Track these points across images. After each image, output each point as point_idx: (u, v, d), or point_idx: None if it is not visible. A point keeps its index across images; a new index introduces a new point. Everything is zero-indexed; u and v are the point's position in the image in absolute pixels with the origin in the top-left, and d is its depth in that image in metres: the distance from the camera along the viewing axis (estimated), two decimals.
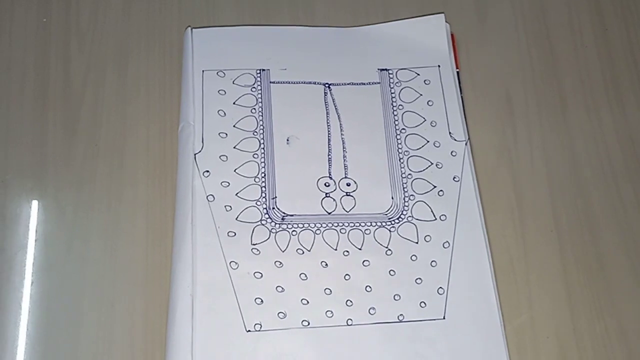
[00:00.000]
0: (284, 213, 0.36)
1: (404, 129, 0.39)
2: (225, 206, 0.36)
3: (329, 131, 0.39)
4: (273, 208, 0.36)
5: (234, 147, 0.38)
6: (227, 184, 0.37)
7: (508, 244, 0.37)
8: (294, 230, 0.36)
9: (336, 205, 0.37)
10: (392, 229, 0.36)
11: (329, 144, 0.39)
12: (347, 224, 0.36)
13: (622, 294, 0.36)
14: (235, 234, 0.35)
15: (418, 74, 0.41)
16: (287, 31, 0.41)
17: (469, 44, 0.43)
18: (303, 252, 0.35)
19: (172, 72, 0.41)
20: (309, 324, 0.34)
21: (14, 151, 0.39)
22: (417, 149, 0.39)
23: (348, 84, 0.40)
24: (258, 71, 0.40)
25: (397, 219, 0.37)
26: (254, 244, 0.35)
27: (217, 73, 0.40)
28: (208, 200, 0.36)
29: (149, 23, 0.42)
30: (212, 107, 0.39)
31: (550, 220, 0.38)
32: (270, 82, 0.40)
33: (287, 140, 0.38)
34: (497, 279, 0.36)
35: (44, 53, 0.41)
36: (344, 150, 0.38)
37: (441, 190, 0.38)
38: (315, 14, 0.43)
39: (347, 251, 0.36)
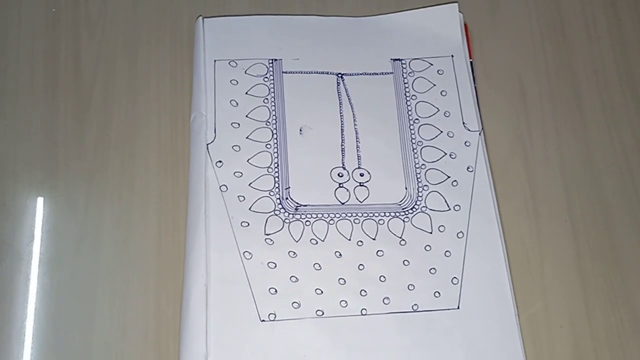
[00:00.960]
0: (297, 203, 0.36)
1: (417, 119, 0.39)
2: (238, 196, 0.36)
3: (342, 121, 0.39)
4: (286, 198, 0.36)
5: (247, 137, 0.37)
6: (240, 174, 0.37)
7: (522, 234, 0.37)
8: (307, 221, 0.36)
9: (350, 195, 0.37)
10: (406, 219, 0.36)
11: (342, 134, 0.38)
12: (360, 215, 0.36)
13: (636, 284, 0.36)
14: (248, 224, 0.35)
15: (431, 64, 0.40)
16: (299, 21, 0.41)
17: (482, 33, 0.43)
18: (317, 242, 0.35)
19: (183, 61, 0.41)
20: (323, 313, 0.33)
21: (24, 143, 0.38)
22: (431, 139, 0.38)
23: (361, 74, 0.40)
24: (270, 61, 0.40)
25: (411, 209, 0.37)
26: (267, 234, 0.35)
27: (229, 63, 0.39)
28: (221, 191, 0.36)
29: (159, 12, 0.42)
30: (225, 97, 0.38)
31: (564, 210, 0.38)
32: (282, 72, 0.40)
33: (300, 130, 0.38)
34: (511, 268, 0.36)
35: (54, 43, 0.41)
36: (357, 141, 0.38)
37: (455, 181, 0.37)
38: (327, 4, 0.43)
39: (361, 241, 0.35)
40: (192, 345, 0.32)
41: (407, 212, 0.37)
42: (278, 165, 0.37)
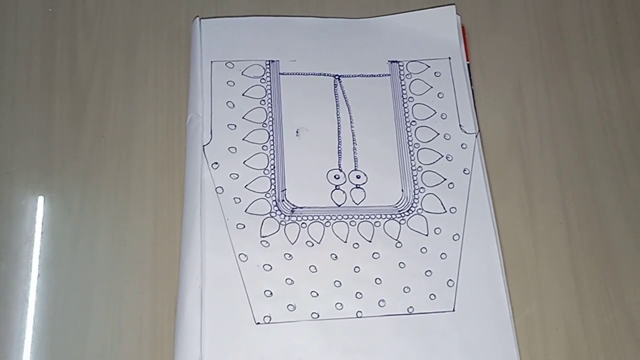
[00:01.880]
0: (293, 205, 0.36)
1: (414, 121, 0.39)
2: (234, 198, 0.36)
3: (338, 123, 0.39)
4: (282, 200, 0.36)
5: (243, 139, 0.37)
6: (236, 176, 0.36)
7: (518, 236, 0.37)
8: (303, 223, 0.36)
9: (346, 197, 0.37)
10: (402, 222, 0.36)
11: (338, 136, 0.38)
12: (357, 217, 0.36)
13: (631, 286, 0.36)
14: (244, 226, 0.35)
15: (428, 66, 0.40)
16: (296, 22, 0.41)
17: (479, 36, 0.43)
18: (313, 245, 0.35)
19: (180, 62, 0.40)
20: (318, 316, 0.33)
21: (20, 143, 0.38)
22: (428, 141, 0.39)
23: (358, 75, 0.40)
24: (267, 62, 0.40)
25: (407, 211, 0.37)
26: (263, 236, 0.35)
27: (225, 64, 0.39)
28: (217, 192, 0.36)
29: (156, 12, 0.42)
30: (221, 99, 0.38)
31: (560, 212, 0.38)
32: (279, 74, 0.39)
33: (297, 132, 0.38)
34: (507, 270, 0.36)
35: (50, 43, 0.41)
36: (354, 143, 0.38)
37: (451, 183, 0.37)
38: (325, 5, 0.43)
39: (357, 244, 0.35)
40: (187, 347, 0.32)
41: (403, 215, 0.37)
42: (274, 167, 0.37)
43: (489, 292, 0.35)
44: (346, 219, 0.36)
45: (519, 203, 0.38)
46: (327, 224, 0.36)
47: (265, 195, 0.36)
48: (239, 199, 0.36)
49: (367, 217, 0.36)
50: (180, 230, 0.35)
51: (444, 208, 0.37)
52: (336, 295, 0.34)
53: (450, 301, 0.34)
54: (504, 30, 0.43)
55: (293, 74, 0.40)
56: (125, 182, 0.37)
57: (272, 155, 0.37)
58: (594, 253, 0.37)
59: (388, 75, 0.40)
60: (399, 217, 0.36)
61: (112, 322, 0.34)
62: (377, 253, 0.35)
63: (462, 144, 0.38)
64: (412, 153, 0.38)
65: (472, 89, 0.40)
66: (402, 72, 0.40)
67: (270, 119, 0.38)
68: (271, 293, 0.34)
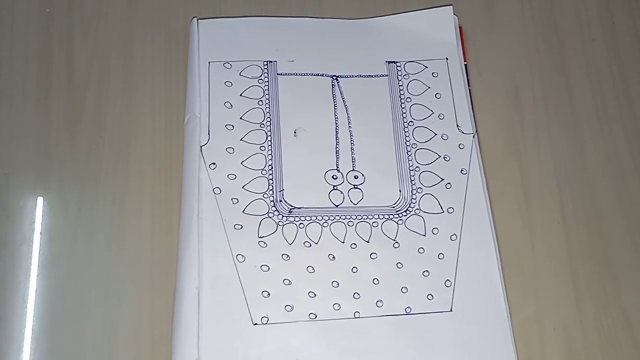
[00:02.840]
0: (291, 206, 0.36)
1: (411, 121, 0.39)
2: (232, 199, 0.36)
3: (336, 123, 0.39)
4: (280, 201, 0.36)
5: (241, 140, 0.37)
6: (234, 177, 0.36)
7: (515, 236, 0.37)
8: (301, 223, 0.36)
9: (344, 198, 0.37)
10: (400, 222, 0.36)
11: (336, 137, 0.38)
12: (354, 217, 0.36)
13: (628, 286, 0.36)
14: (242, 227, 0.35)
15: (426, 67, 0.40)
16: (294, 22, 0.41)
17: (477, 36, 0.43)
18: (310, 245, 0.35)
19: (178, 62, 0.40)
20: (316, 316, 0.33)
21: (17, 144, 0.38)
22: (425, 141, 0.39)
23: (356, 76, 0.40)
24: (265, 63, 0.40)
25: (405, 211, 0.37)
26: (260, 237, 0.35)
27: (223, 64, 0.39)
28: (214, 193, 0.36)
29: (154, 12, 0.42)
30: (219, 99, 0.38)
31: (557, 212, 0.38)
32: (277, 74, 0.39)
33: (295, 132, 0.38)
34: (504, 271, 0.36)
35: (47, 44, 0.41)
36: (351, 143, 0.38)
37: (449, 183, 0.37)
38: (323, 5, 0.43)
39: (355, 244, 0.35)
40: (184, 348, 0.32)
41: (400, 215, 0.37)
42: (272, 168, 0.37)
43: (487, 292, 0.35)
44: (344, 219, 0.36)
45: (516, 203, 0.38)
46: (325, 224, 0.36)
47: (263, 196, 0.36)
48: (237, 199, 0.36)
49: (365, 217, 0.36)
50: (178, 230, 0.35)
51: (442, 208, 0.37)
52: (334, 295, 0.34)
53: (447, 301, 0.34)
54: (501, 31, 0.43)
55: (291, 74, 0.40)
56: (123, 182, 0.37)
57: (270, 156, 0.37)
58: (592, 253, 0.37)
59: (386, 75, 0.40)
60: (396, 218, 0.36)
61: (110, 322, 0.34)
62: (374, 253, 0.35)
63: (459, 144, 0.39)
64: (409, 153, 0.38)
65: (469, 89, 0.41)
66: (399, 73, 0.40)
67: (268, 119, 0.38)
68: (269, 294, 0.34)
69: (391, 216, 0.36)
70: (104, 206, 0.37)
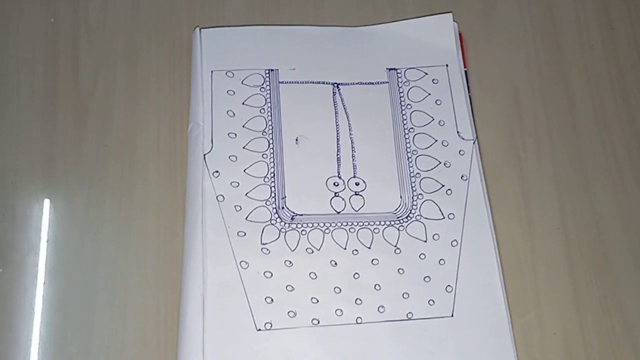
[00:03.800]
0: (293, 213, 0.37)
1: (412, 128, 0.40)
2: (235, 206, 0.36)
3: (337, 131, 0.39)
4: (282, 208, 0.37)
5: (244, 148, 0.38)
6: (237, 184, 0.37)
7: (515, 242, 0.38)
8: (303, 230, 0.36)
9: (345, 204, 0.37)
10: (401, 228, 0.37)
11: (337, 144, 0.39)
12: (356, 223, 0.37)
13: (627, 291, 0.37)
14: (245, 234, 0.36)
15: (426, 73, 0.41)
16: (295, 31, 0.41)
17: (476, 43, 0.43)
18: (312, 252, 0.36)
19: (182, 70, 0.41)
20: (318, 322, 0.34)
21: (24, 151, 0.39)
22: (426, 148, 0.39)
23: (357, 83, 0.40)
24: (267, 71, 0.40)
25: (406, 217, 0.37)
26: (263, 244, 0.36)
27: (226, 73, 0.40)
28: (218, 201, 0.36)
29: (158, 22, 0.43)
30: (221, 108, 0.39)
31: (557, 217, 0.38)
32: (279, 82, 0.40)
33: (296, 140, 0.39)
34: (505, 276, 0.36)
35: (53, 53, 0.41)
36: (352, 150, 0.39)
37: (449, 189, 0.38)
38: (324, 14, 0.43)
39: (357, 250, 0.36)
40: (190, 353, 0.32)
41: (402, 221, 0.37)
42: (274, 175, 0.37)
43: (487, 297, 0.35)
44: (345, 225, 0.36)
45: (516, 209, 0.39)
46: (327, 230, 0.36)
47: (266, 203, 0.37)
48: (240, 206, 0.36)
49: (366, 223, 0.37)
50: (182, 237, 0.36)
51: (442, 214, 0.37)
52: (336, 301, 0.34)
53: (449, 307, 0.35)
54: (501, 37, 0.43)
55: (292, 82, 0.40)
56: (129, 189, 0.38)
57: (272, 164, 0.38)
58: (591, 258, 0.38)
59: (386, 82, 0.41)
60: (397, 224, 0.37)
61: (116, 328, 0.35)
62: (376, 259, 0.36)
63: (459, 151, 0.39)
64: (410, 160, 0.39)
65: (469, 96, 0.41)
66: (400, 80, 0.41)
67: (270, 127, 0.39)
68: (272, 300, 0.34)
69: (392, 222, 0.37)
70: (110, 212, 0.37)
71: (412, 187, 0.38)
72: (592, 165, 0.40)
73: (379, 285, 0.35)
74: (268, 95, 0.40)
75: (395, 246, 0.36)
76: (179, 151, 0.39)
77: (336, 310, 0.34)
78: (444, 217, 0.37)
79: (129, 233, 0.37)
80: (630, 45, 0.44)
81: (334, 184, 0.38)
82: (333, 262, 0.36)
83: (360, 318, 0.34)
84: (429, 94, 0.40)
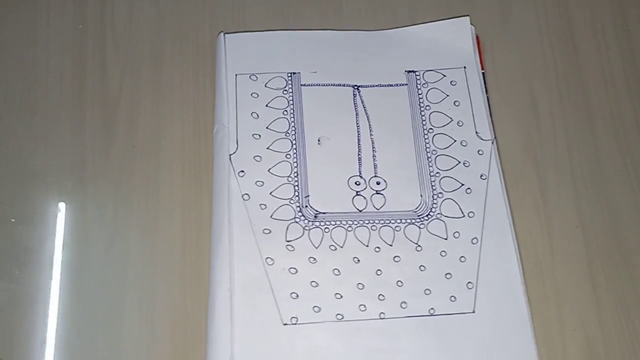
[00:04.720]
0: (316, 211, 0.38)
1: (431, 128, 0.40)
2: (260, 205, 0.37)
3: (358, 132, 0.40)
4: (306, 206, 0.38)
5: (267, 148, 0.39)
6: (262, 184, 0.38)
7: (534, 240, 0.38)
8: (326, 228, 0.37)
9: (367, 203, 0.38)
10: (422, 226, 0.37)
11: (358, 144, 0.40)
12: (377, 221, 0.37)
13: None
14: (270, 231, 0.37)
15: (444, 75, 0.42)
16: (316, 35, 0.42)
17: (493, 45, 0.44)
18: (336, 249, 0.36)
19: (205, 73, 0.42)
20: (343, 317, 0.35)
21: (54, 153, 0.40)
22: (445, 148, 0.40)
23: (376, 85, 0.41)
24: (289, 74, 0.41)
25: (427, 216, 0.38)
26: (288, 241, 0.36)
27: (249, 77, 0.41)
28: (243, 199, 0.37)
29: (181, 26, 0.44)
30: (246, 110, 0.40)
31: (575, 216, 0.39)
32: (301, 85, 0.41)
33: (318, 140, 0.40)
34: (524, 273, 0.37)
35: (81, 59, 0.43)
36: (373, 150, 0.40)
37: (469, 188, 0.39)
38: (343, 18, 0.44)
39: (378, 247, 0.37)
40: (219, 348, 0.33)
41: (422, 219, 0.38)
42: (298, 175, 0.38)
43: (508, 294, 0.36)
44: (367, 223, 0.37)
45: (534, 208, 0.39)
46: (349, 228, 0.37)
47: (290, 202, 0.38)
48: (265, 205, 0.37)
49: (388, 221, 0.37)
50: (209, 235, 0.37)
51: (462, 212, 0.38)
52: (359, 297, 0.35)
53: (470, 303, 0.35)
54: (517, 40, 0.44)
55: (314, 85, 0.41)
56: (155, 190, 0.39)
57: (295, 163, 0.39)
58: (610, 255, 0.38)
59: (405, 84, 0.42)
60: (418, 222, 0.38)
61: (146, 325, 0.35)
62: (398, 256, 0.36)
63: (478, 150, 0.40)
64: (430, 159, 0.39)
65: (487, 97, 0.42)
66: (418, 82, 0.42)
67: (293, 128, 0.40)
68: (297, 295, 0.35)
69: (413, 220, 0.38)
70: (137, 212, 0.38)
71: (432, 186, 0.39)
72: (609, 164, 0.41)
73: (401, 282, 0.36)
74: (290, 98, 0.41)
75: (417, 244, 0.37)
76: (204, 152, 0.40)
77: (360, 306, 0.35)
78: (464, 216, 0.38)
79: (156, 232, 0.38)
80: None
81: (356, 183, 0.39)
82: (356, 259, 0.36)
83: (383, 313, 0.35)
84: (448, 95, 0.41)
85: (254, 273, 0.35)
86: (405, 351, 0.34)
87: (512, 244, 0.37)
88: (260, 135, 0.39)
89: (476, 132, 0.40)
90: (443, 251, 0.37)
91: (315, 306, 0.35)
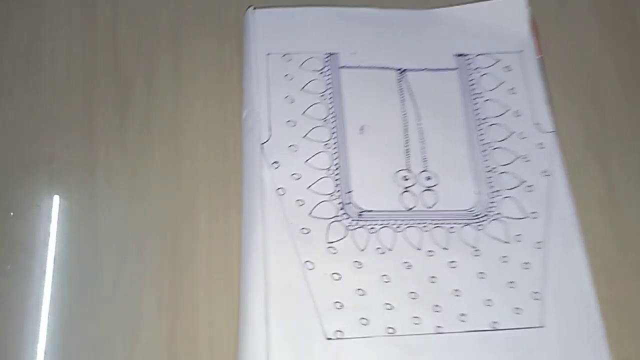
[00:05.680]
0: (361, 209, 0.33)
1: (485, 118, 0.36)
2: (297, 200, 0.33)
3: (405, 120, 0.36)
4: (349, 203, 0.33)
5: (304, 137, 0.34)
6: (299, 177, 0.33)
7: (602, 242, 0.34)
8: (372, 228, 0.33)
9: (417, 200, 0.34)
10: (480, 228, 0.33)
11: (405, 134, 0.35)
12: (429, 222, 0.33)
13: None
14: (309, 231, 0.32)
15: (498, 60, 0.38)
16: (357, 12, 0.38)
17: (550, 29, 0.40)
18: (384, 252, 0.32)
19: (232, 53, 0.38)
20: (394, 331, 0.30)
21: (62, 138, 0.35)
22: (501, 140, 0.36)
23: (423, 69, 0.37)
24: (327, 55, 0.37)
25: (484, 216, 0.34)
26: (330, 242, 0.32)
27: (282, 56, 0.36)
28: (278, 194, 0.33)
29: (204, 0, 0.39)
30: (279, 93, 0.35)
31: None
32: (339, 67, 0.37)
33: (361, 129, 0.35)
34: (595, 281, 0.33)
35: (91, 34, 0.38)
36: (422, 141, 0.35)
37: (530, 185, 0.34)
38: None
39: (432, 251, 0.32)
40: None
41: (479, 220, 0.34)
42: (338, 167, 0.34)
43: (579, 305, 0.31)
44: (418, 224, 0.33)
45: (601, 207, 0.35)
46: (398, 229, 0.33)
47: (330, 198, 0.33)
48: (302, 201, 0.33)
49: (441, 222, 0.33)
50: (237, 234, 0.32)
51: (524, 213, 0.34)
52: (412, 307, 0.31)
53: (537, 316, 0.31)
54: (576, 23, 0.40)
55: (354, 67, 0.37)
56: (174, 181, 0.34)
57: (336, 154, 0.34)
58: None
59: (455, 69, 0.37)
60: (475, 223, 0.33)
61: (164, 336, 0.31)
62: (453, 262, 0.32)
63: (539, 143, 0.35)
64: (485, 153, 0.35)
65: (546, 85, 0.38)
66: (469, 66, 0.37)
67: (332, 115, 0.35)
68: (342, 305, 0.31)
69: (469, 221, 0.33)
70: (155, 206, 0.34)
71: (488, 182, 0.34)
72: None
73: (459, 291, 0.31)
74: (329, 81, 0.36)
75: (474, 247, 0.33)
76: (232, 140, 0.35)
77: (413, 318, 0.31)
78: (526, 216, 0.34)
79: (176, 230, 0.33)
80: None
81: (404, 177, 0.34)
82: (407, 264, 0.32)
83: (441, 327, 0.31)
84: (502, 82, 0.37)
85: (292, 278, 0.31)
86: None
87: (580, 247, 0.33)
88: (295, 122, 0.35)
89: (535, 123, 0.36)
90: (504, 256, 0.32)
91: (362, 318, 0.30)
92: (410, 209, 0.33)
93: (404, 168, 0.35)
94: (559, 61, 0.39)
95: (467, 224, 0.33)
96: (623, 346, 0.32)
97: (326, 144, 0.35)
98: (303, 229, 0.32)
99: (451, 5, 0.39)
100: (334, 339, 0.30)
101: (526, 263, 0.32)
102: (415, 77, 0.37)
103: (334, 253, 0.32)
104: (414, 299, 0.31)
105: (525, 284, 0.32)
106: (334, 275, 0.31)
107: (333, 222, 0.33)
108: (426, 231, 0.33)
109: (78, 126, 0.36)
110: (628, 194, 0.36)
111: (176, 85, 0.37)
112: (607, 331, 0.32)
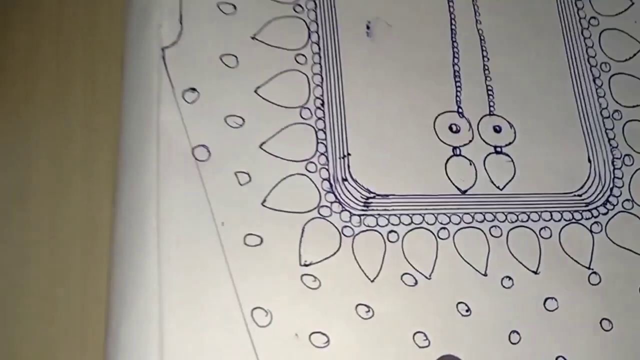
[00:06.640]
0: (368, 191, 0.17)
1: (598, 24, 0.20)
2: (236, 173, 0.16)
3: (452, 22, 0.19)
4: (345, 179, 0.17)
5: (252, 37, 0.17)
6: (241, 122, 0.16)
7: None
8: (392, 232, 0.16)
9: (476, 174, 0.17)
10: (596, 226, 0.17)
11: (453, 49, 0.19)
12: (501, 217, 0.17)
13: None
14: (261, 242, 0.15)
15: None
16: None
17: None
18: (416, 283, 0.16)
19: None
20: None
21: None
22: (626, 60, 0.19)
23: None
24: None
25: (604, 204, 0.18)
26: (305, 264, 0.15)
27: None
28: (196, 159, 0.16)
29: None
30: None
31: None
32: None
33: (367, 26, 0.18)
34: None
35: None
36: (484, 63, 0.19)
37: None
38: None
39: (509, 279, 0.16)
40: None
41: (594, 211, 0.18)
42: (323, 104, 0.17)
43: None
44: (480, 222, 0.17)
45: None
46: (443, 234, 0.17)
47: (306, 167, 0.16)
48: (248, 175, 0.16)
49: (523, 216, 0.17)
50: (107, 231, 0.16)
51: None
52: None
53: None
54: None
55: None
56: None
57: (319, 78, 0.17)
58: None
59: None
60: (587, 217, 0.18)
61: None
62: (552, 299, 0.16)
63: None
64: (599, 90, 0.19)
65: None
66: None
67: None
68: None
69: (576, 214, 0.17)
70: None
71: (608, 141, 0.19)
72: None
73: (563, 358, 0.16)
74: None
75: (589, 268, 0.17)
76: (98, 47, 0.18)
77: None
78: None
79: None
80: None
81: (452, 128, 0.18)
82: (464, 307, 0.16)
83: None
84: (632, 4, 0.21)
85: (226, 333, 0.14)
86: None
87: None
88: (235, 7, 0.17)
89: None
90: None
91: None
92: (465, 191, 0.17)
93: (452, 109, 0.18)
94: None
95: (572, 220, 0.17)
96: None
97: (299, 54, 0.17)
98: (248, 236, 0.15)
99: None
100: None
101: None
102: None
103: (315, 288, 0.15)
104: None
105: None
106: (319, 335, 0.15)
107: (312, 219, 0.16)
108: (496, 236, 0.17)
109: None
110: None
111: None
112: None
